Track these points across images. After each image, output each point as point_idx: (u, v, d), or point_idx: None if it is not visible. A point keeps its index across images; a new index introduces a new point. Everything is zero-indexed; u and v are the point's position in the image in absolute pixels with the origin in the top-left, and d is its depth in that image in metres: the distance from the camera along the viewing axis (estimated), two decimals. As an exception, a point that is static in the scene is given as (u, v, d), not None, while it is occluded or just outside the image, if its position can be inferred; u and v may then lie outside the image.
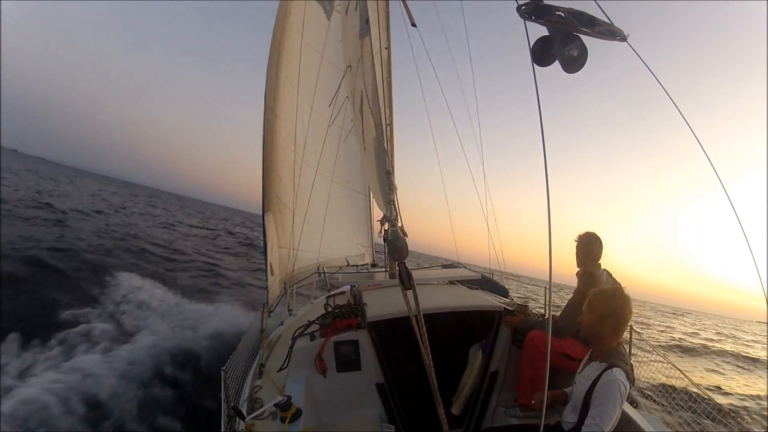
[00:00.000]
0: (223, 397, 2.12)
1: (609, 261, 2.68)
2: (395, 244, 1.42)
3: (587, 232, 2.67)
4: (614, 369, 1.71)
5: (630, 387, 1.74)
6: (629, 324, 1.91)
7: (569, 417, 1.86)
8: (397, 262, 1.39)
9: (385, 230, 1.61)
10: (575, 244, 2.71)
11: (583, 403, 1.76)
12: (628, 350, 2.54)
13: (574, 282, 2.70)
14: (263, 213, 3.54)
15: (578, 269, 2.69)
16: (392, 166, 1.89)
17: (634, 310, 1.82)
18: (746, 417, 6.17)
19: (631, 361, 1.93)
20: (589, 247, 2.63)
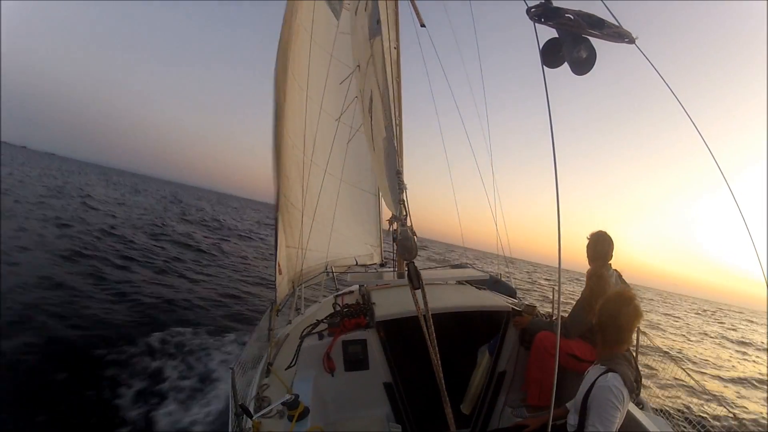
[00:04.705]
0: (231, 394, 2.14)
1: (620, 253, 2.61)
2: (405, 244, 1.42)
3: (597, 231, 2.63)
4: (609, 374, 1.68)
5: (632, 394, 1.69)
6: (634, 330, 1.86)
7: (571, 419, 1.87)
8: (406, 262, 1.40)
9: (394, 230, 1.62)
10: (587, 242, 2.66)
11: (582, 406, 1.76)
12: (635, 355, 2.49)
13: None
14: (276, 213, 3.56)
15: (588, 268, 2.66)
16: (402, 166, 1.89)
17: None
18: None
19: (639, 366, 1.86)
20: (597, 246, 2.60)
